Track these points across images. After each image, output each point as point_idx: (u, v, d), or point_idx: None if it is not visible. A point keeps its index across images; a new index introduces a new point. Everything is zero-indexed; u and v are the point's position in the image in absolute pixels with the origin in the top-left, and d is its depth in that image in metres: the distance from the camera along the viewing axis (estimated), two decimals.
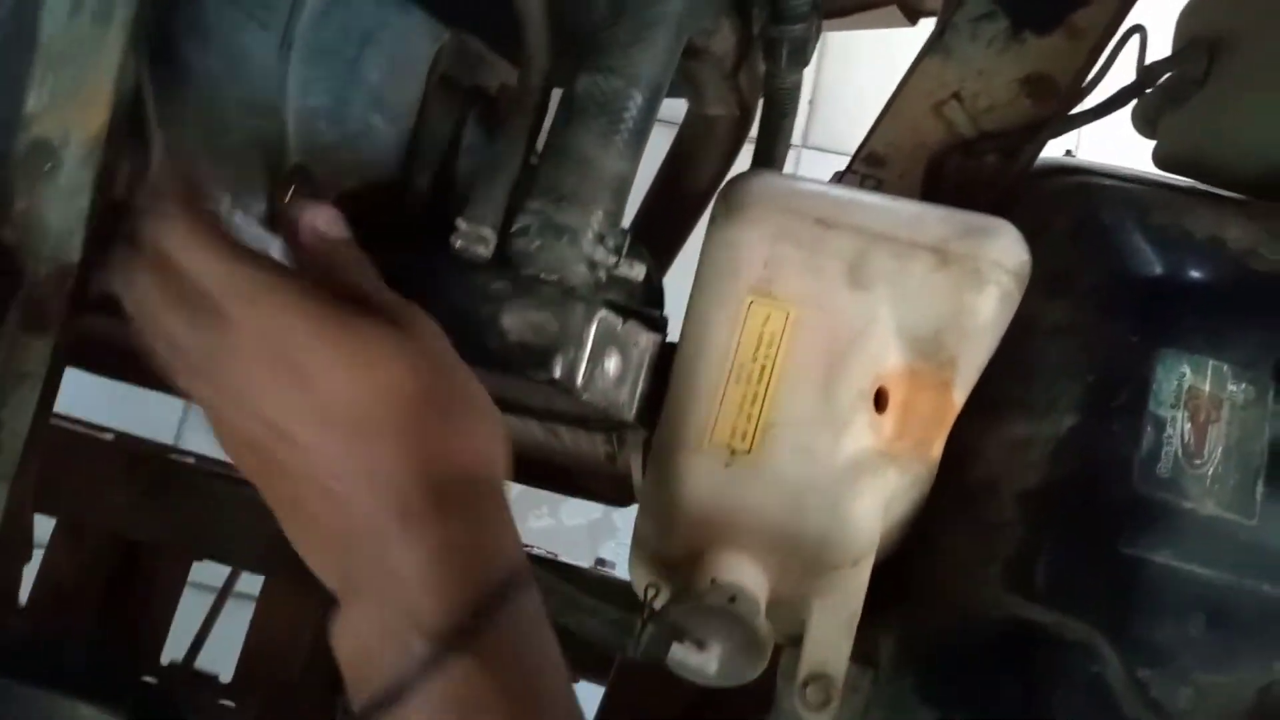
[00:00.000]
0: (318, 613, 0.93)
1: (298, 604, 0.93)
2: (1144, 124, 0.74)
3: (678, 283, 0.60)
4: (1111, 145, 0.80)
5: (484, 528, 0.37)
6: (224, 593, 0.98)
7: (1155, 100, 0.71)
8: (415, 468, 0.36)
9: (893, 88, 0.68)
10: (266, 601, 0.95)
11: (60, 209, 0.45)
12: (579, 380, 0.46)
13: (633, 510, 0.56)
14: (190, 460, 0.96)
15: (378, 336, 0.38)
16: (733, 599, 0.43)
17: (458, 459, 0.38)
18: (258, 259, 0.39)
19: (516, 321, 0.46)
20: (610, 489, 0.79)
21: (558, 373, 0.46)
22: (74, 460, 0.95)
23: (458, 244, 0.48)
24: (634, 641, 0.43)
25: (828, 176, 0.82)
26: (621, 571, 0.93)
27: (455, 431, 0.38)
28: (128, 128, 0.48)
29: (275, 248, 0.42)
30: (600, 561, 0.94)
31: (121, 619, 0.93)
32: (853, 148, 0.69)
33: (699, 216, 0.79)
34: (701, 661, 0.43)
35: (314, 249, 0.42)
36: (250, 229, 0.43)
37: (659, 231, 0.79)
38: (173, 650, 0.97)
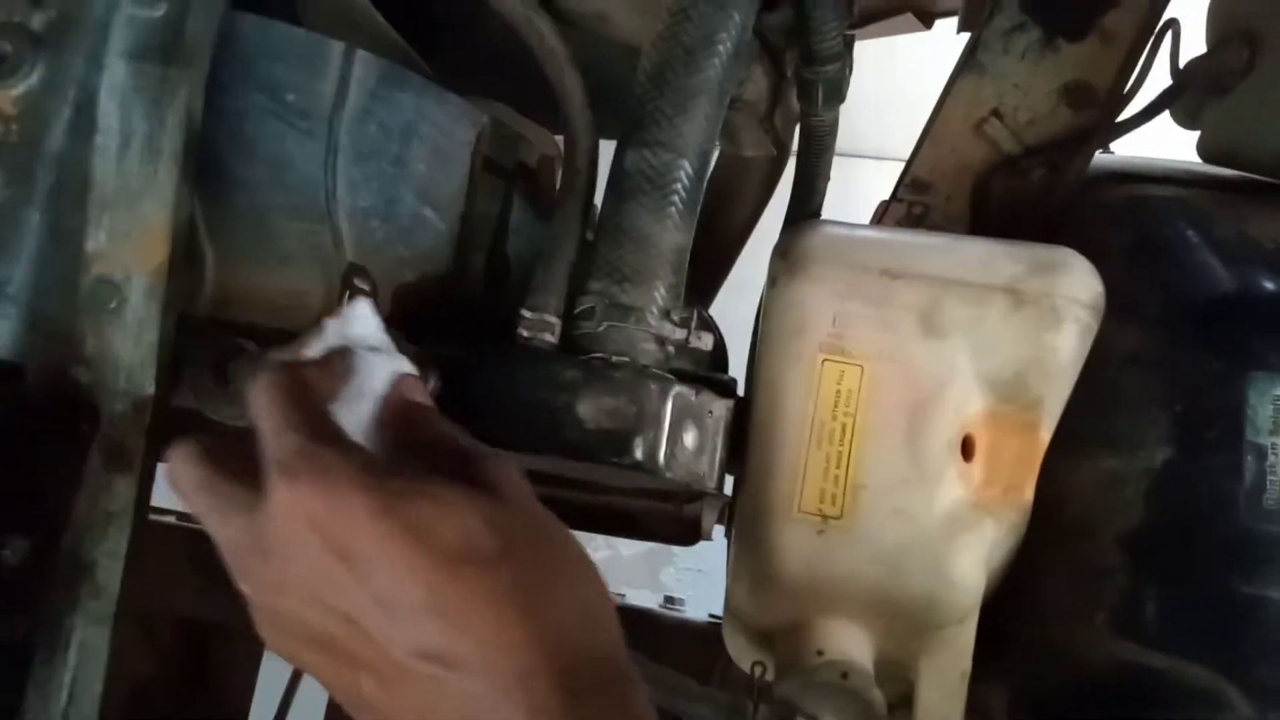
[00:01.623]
0: None
1: None
2: (1186, 117, 0.72)
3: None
4: (1144, 138, 0.79)
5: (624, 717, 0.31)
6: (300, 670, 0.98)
7: (1197, 93, 0.69)
8: (536, 654, 0.30)
9: (904, 86, 0.67)
10: None
11: (130, 344, 0.45)
12: (661, 460, 0.46)
13: None
14: None
15: (449, 506, 0.31)
16: (845, 674, 0.42)
17: (577, 637, 0.31)
18: (318, 428, 0.33)
19: (592, 409, 0.46)
20: (676, 530, 0.79)
21: (640, 456, 0.45)
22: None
23: (524, 334, 0.48)
24: None
25: (841, 179, 0.81)
26: (691, 609, 0.92)
27: (565, 603, 0.32)
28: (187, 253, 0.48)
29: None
30: (669, 600, 0.94)
31: (199, 704, 0.94)
32: (869, 149, 0.68)
33: (736, 256, 0.78)
34: None
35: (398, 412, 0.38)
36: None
37: (697, 274, 0.78)
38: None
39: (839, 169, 0.77)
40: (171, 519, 0.98)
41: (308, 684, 0.98)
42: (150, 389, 0.45)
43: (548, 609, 0.31)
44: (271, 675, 0.97)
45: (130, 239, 0.45)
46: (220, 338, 0.50)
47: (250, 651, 0.96)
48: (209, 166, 0.51)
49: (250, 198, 0.52)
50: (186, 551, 0.94)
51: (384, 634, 0.30)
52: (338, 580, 0.31)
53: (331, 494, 0.30)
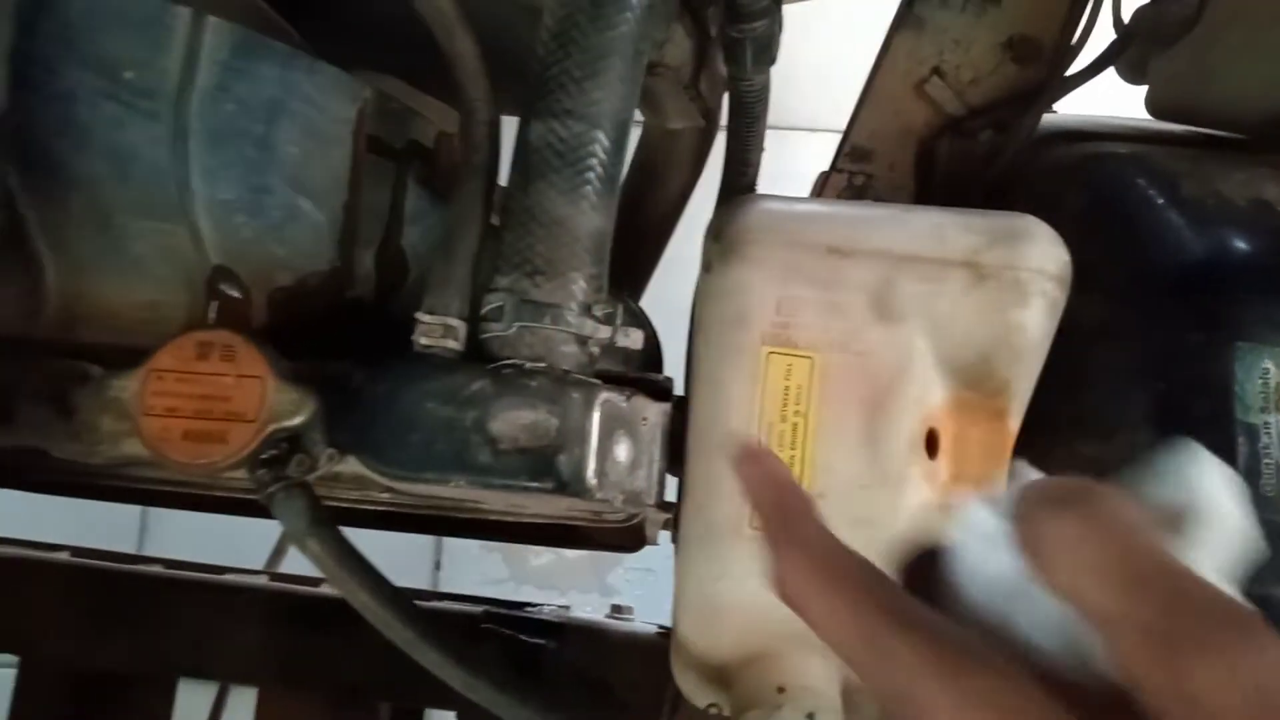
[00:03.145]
0: (321, 714, 0.86)
1: (300, 707, 0.85)
2: (1131, 71, 0.69)
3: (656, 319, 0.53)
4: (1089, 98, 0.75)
5: None
6: (218, 707, 0.90)
7: (1143, 44, 0.65)
8: None
9: (832, 52, 0.62)
10: (266, 707, 0.87)
11: None
12: (590, 479, 0.40)
13: None
14: (156, 570, 0.88)
15: None
16: (810, 715, 0.37)
17: None
18: (919, 625, 0.20)
19: (506, 426, 0.39)
20: (619, 538, 0.73)
21: (565, 476, 0.39)
22: (26, 589, 0.86)
23: (423, 341, 0.41)
24: None
25: (773, 153, 0.76)
26: (641, 612, 0.87)
27: None
28: (6, 248, 0.40)
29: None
30: (617, 609, 0.88)
31: None
32: (801, 121, 0.63)
33: (666, 240, 0.73)
34: None
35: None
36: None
37: (623, 262, 0.72)
38: None
39: (770, 142, 0.71)
40: (64, 556, 0.88)
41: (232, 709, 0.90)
42: None
43: None
44: (190, 715, 0.88)
45: None
46: (59, 363, 0.43)
47: (160, 697, 0.88)
48: (39, 161, 0.43)
49: (90, 196, 0.44)
50: (81, 593, 0.85)
51: None
52: None
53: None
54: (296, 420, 0.38)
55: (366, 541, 0.45)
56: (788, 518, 0.24)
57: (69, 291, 0.46)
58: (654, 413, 0.43)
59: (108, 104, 0.42)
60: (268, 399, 0.38)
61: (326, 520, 0.39)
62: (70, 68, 0.41)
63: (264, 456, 0.38)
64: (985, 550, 0.22)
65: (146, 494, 0.75)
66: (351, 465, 0.40)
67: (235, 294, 0.45)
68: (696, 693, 0.43)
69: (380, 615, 0.39)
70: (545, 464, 0.39)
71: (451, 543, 1.49)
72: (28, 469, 0.47)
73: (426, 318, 0.41)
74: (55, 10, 0.41)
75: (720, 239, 0.45)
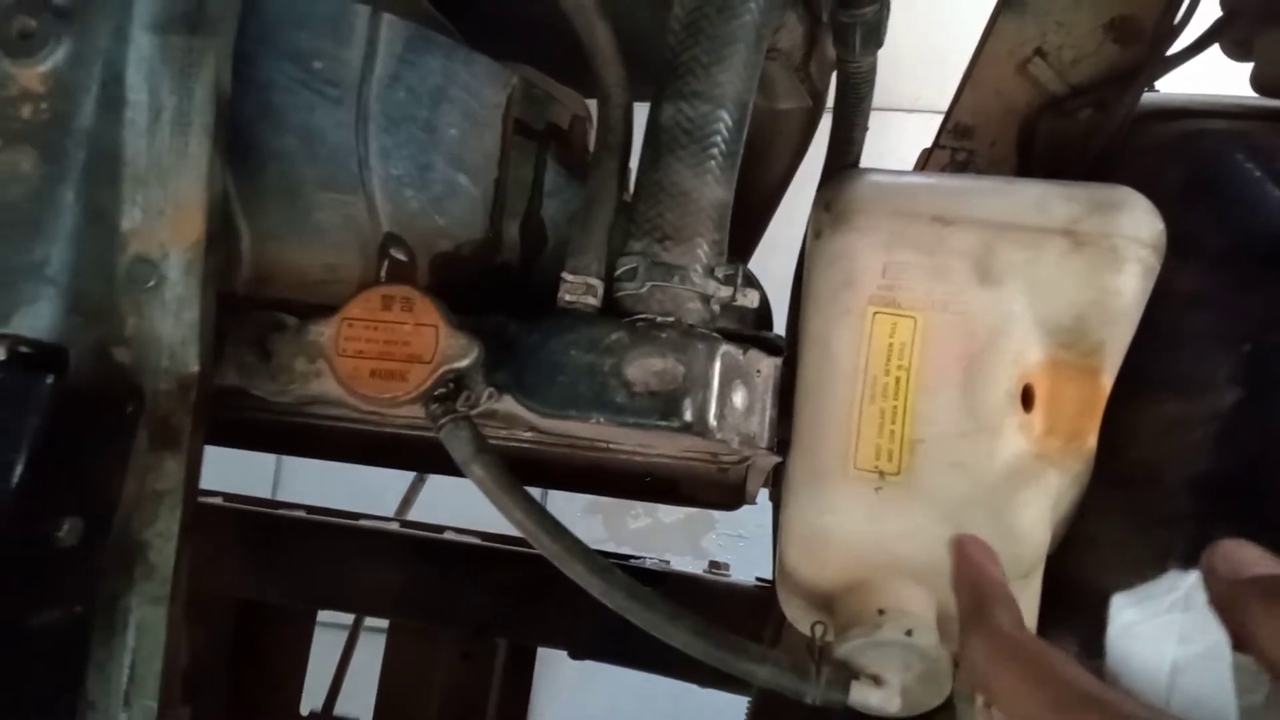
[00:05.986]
0: (447, 650, 0.94)
1: (426, 643, 0.93)
2: (1235, 48, 0.69)
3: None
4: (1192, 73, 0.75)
5: None
6: (352, 640, 0.99)
7: (1247, 22, 0.66)
8: None
9: (932, 35, 0.65)
10: (395, 643, 0.96)
11: (171, 322, 0.45)
12: (711, 421, 0.45)
13: None
14: (300, 514, 0.97)
15: None
16: (909, 632, 0.41)
17: None
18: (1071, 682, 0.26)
19: (639, 371, 0.45)
20: (720, 495, 0.78)
21: (689, 417, 0.44)
22: None
23: (566, 297, 0.47)
24: (813, 686, 0.42)
25: (873, 133, 0.79)
26: (736, 575, 0.92)
27: None
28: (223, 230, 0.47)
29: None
30: (714, 565, 0.93)
31: (255, 679, 0.95)
32: (901, 102, 0.66)
33: (773, 212, 0.77)
34: (883, 699, 0.41)
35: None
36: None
37: (733, 231, 0.77)
38: (310, 695, 0.99)
39: (870, 123, 0.75)
40: (219, 500, 0.99)
41: (359, 664, 1.00)
42: (194, 366, 0.45)
43: None
44: (323, 655, 0.98)
45: (165, 216, 0.44)
46: (261, 314, 0.50)
47: (301, 632, 0.97)
48: (239, 140, 0.50)
49: (283, 171, 0.51)
50: (235, 533, 0.95)
51: None
52: None
53: None
54: (464, 363, 0.44)
55: (482, 499, 0.50)
56: (981, 606, 0.29)
57: (260, 254, 0.54)
58: (767, 366, 0.48)
59: (301, 91, 0.48)
60: (441, 344, 0.44)
61: (488, 448, 0.45)
62: (270, 60, 0.48)
63: (436, 393, 0.45)
64: (1135, 642, 0.27)
65: (303, 439, 0.83)
66: (506, 404, 0.46)
67: (403, 258, 0.51)
68: (800, 617, 0.48)
69: (533, 531, 0.45)
70: (673, 405, 0.44)
71: (556, 504, 1.56)
72: (229, 408, 0.54)
73: (570, 277, 0.47)
74: (259, 11, 0.48)
75: (831, 209, 0.49)
